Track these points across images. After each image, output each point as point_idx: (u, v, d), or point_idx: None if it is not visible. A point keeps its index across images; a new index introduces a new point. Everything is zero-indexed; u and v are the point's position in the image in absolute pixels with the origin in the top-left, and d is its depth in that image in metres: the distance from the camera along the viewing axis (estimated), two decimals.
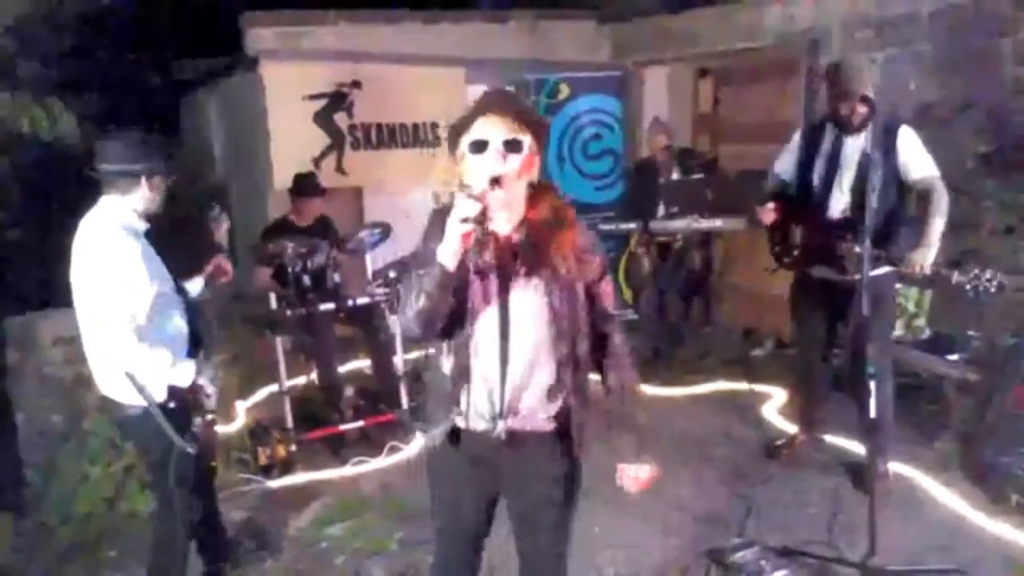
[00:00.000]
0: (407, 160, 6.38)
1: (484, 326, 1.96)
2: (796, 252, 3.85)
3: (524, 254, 1.95)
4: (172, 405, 2.67)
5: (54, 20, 6.40)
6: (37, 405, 3.81)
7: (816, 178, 3.74)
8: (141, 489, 3.73)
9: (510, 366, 1.97)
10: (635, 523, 3.59)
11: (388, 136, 6.30)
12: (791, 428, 4.38)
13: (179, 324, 2.78)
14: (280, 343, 4.42)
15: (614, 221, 6.13)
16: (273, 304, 4.46)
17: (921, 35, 4.75)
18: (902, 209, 3.62)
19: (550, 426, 2.07)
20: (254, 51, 5.87)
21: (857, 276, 3.48)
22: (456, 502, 2.18)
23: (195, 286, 3.06)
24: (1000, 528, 3.39)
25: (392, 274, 4.72)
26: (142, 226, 2.72)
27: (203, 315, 2.95)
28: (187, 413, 2.71)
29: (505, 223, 1.97)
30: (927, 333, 4.53)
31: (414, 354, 5.40)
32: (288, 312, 4.38)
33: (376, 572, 3.29)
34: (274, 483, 4.06)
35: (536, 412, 2.04)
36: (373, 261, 4.90)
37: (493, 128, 1.88)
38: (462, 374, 1.99)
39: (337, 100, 6.04)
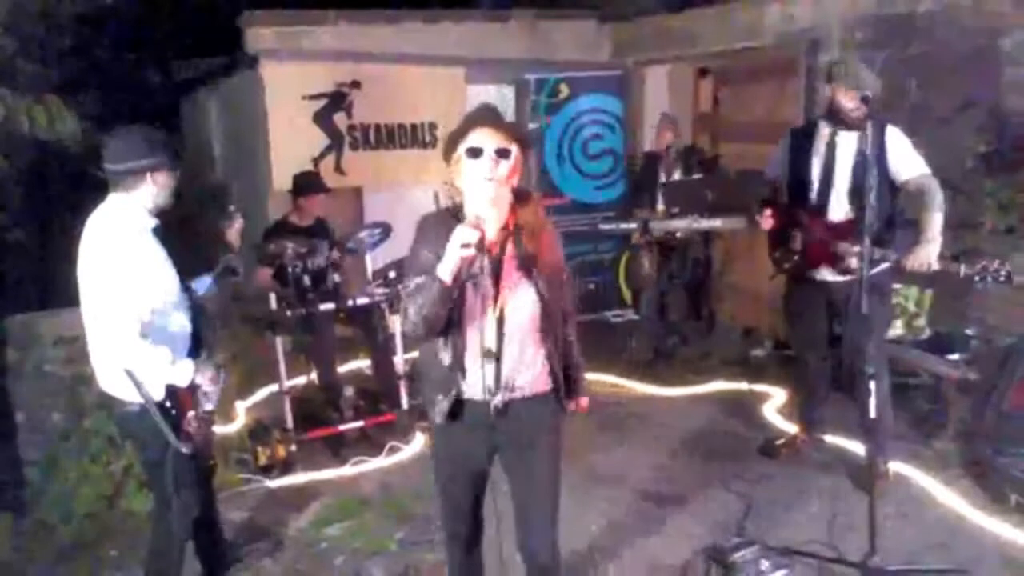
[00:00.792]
0: (406, 160, 6.38)
1: (482, 311, 2.21)
2: (796, 257, 3.84)
3: (515, 248, 2.23)
4: (169, 404, 2.67)
5: (54, 20, 6.40)
6: (37, 404, 3.81)
7: (811, 180, 3.74)
8: (140, 488, 3.73)
9: (505, 348, 2.22)
10: (634, 522, 3.59)
11: (387, 136, 6.30)
12: (791, 428, 4.38)
13: (182, 323, 2.78)
14: (280, 343, 4.42)
15: (614, 221, 6.14)
16: (273, 304, 4.46)
17: (921, 35, 4.75)
18: (895, 210, 3.63)
19: (540, 389, 2.32)
20: (254, 51, 5.88)
21: (852, 276, 3.55)
22: (455, 473, 2.42)
23: (203, 285, 3.06)
24: (1000, 528, 3.39)
25: (392, 274, 4.72)
26: (150, 223, 2.72)
27: (207, 314, 2.95)
28: (184, 412, 2.71)
29: (494, 220, 2.22)
30: (927, 333, 4.54)
31: (414, 354, 5.40)
32: (288, 312, 4.38)
33: (376, 572, 3.29)
34: (274, 483, 4.06)
35: (527, 384, 2.29)
36: (373, 261, 4.90)
37: (487, 138, 2.15)
38: (460, 361, 2.23)
39: (336, 100, 6.04)
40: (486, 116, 2.20)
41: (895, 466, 3.92)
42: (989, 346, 4.23)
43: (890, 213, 3.58)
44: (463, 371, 2.24)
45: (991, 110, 4.44)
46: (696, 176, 5.75)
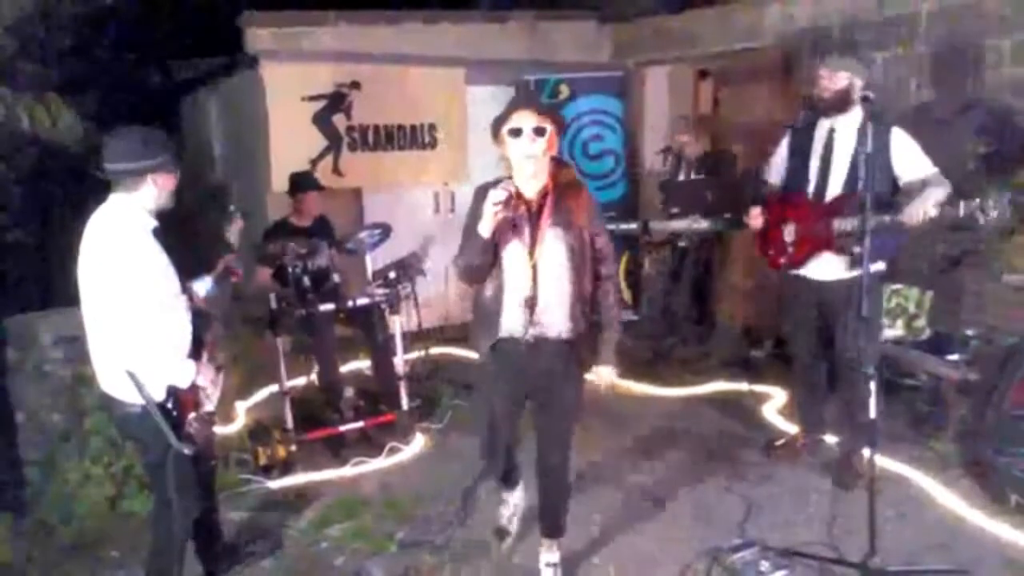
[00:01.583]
0: (405, 161, 6.38)
1: (519, 262, 2.69)
2: (791, 249, 3.81)
3: (551, 208, 2.68)
4: (170, 405, 2.67)
5: (54, 20, 6.40)
6: (37, 404, 3.80)
7: (810, 174, 3.72)
8: (141, 489, 3.73)
9: (539, 290, 2.69)
10: (635, 523, 3.59)
11: (386, 137, 6.31)
12: (791, 428, 4.39)
13: (183, 324, 2.78)
14: (280, 343, 4.42)
15: (615, 221, 6.13)
16: (273, 304, 4.46)
17: (921, 35, 4.75)
18: (891, 207, 3.55)
19: (565, 336, 2.75)
20: (254, 51, 5.88)
21: (841, 276, 3.60)
22: (496, 396, 2.89)
23: (203, 286, 3.06)
24: (1000, 528, 3.39)
25: (392, 274, 4.73)
26: (150, 223, 2.72)
27: (207, 315, 2.95)
28: (185, 413, 2.71)
29: (535, 187, 2.70)
30: (927, 333, 4.53)
31: (413, 354, 5.41)
32: (288, 313, 4.37)
33: (376, 572, 3.29)
34: (274, 483, 4.06)
35: (555, 324, 2.73)
36: (373, 261, 4.90)
37: (525, 119, 2.60)
38: (500, 298, 2.72)
39: (336, 101, 6.04)
40: (524, 100, 2.77)
41: (894, 467, 3.92)
42: (989, 347, 4.22)
43: (888, 203, 3.52)
44: (503, 313, 2.71)
45: (991, 111, 4.44)
46: (696, 177, 5.74)
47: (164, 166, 2.73)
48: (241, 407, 4.95)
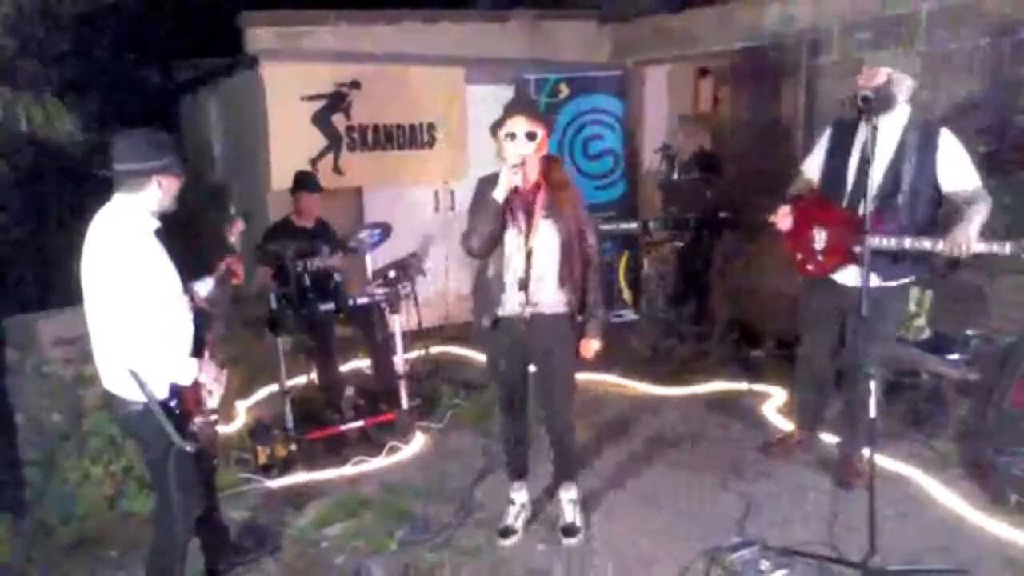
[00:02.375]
0: (405, 161, 6.38)
1: (517, 246, 3.05)
2: (820, 258, 3.67)
3: (543, 200, 3.05)
4: (173, 403, 2.67)
5: (54, 20, 6.40)
6: (37, 405, 3.80)
7: (843, 175, 3.56)
8: (141, 488, 3.73)
9: (533, 271, 3.04)
10: (634, 522, 3.60)
11: (385, 137, 6.31)
12: (790, 427, 4.38)
13: (184, 323, 2.79)
14: (280, 343, 4.42)
15: (614, 221, 6.14)
16: (274, 304, 4.46)
17: (921, 36, 4.75)
18: (932, 216, 3.44)
19: (558, 309, 3.15)
20: (254, 51, 5.88)
21: (881, 282, 3.40)
22: (503, 363, 3.23)
23: (205, 287, 3.07)
24: (1000, 528, 3.39)
25: (392, 274, 4.73)
26: (153, 224, 2.73)
27: (208, 315, 2.96)
28: (188, 411, 2.72)
29: (528, 181, 3.06)
30: (927, 333, 4.53)
31: (413, 354, 5.41)
32: (289, 312, 4.37)
33: (376, 571, 3.29)
34: (274, 483, 4.06)
35: (549, 301, 3.12)
36: (373, 261, 4.90)
37: (519, 125, 2.98)
38: (500, 277, 3.09)
39: (336, 101, 6.04)
40: (518, 107, 3.06)
41: (895, 466, 3.92)
42: (989, 346, 4.22)
43: (926, 219, 3.42)
44: (503, 292, 3.08)
45: (992, 111, 4.44)
46: (694, 176, 5.75)
47: (169, 168, 2.74)
48: (241, 406, 4.95)
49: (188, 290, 2.88)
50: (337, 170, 6.10)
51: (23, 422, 3.83)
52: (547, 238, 3.06)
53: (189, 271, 2.92)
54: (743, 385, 5.17)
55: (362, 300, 4.58)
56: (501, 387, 3.35)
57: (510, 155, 2.96)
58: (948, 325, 4.50)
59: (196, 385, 2.76)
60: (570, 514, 3.47)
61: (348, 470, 4.20)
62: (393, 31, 6.29)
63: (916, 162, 3.34)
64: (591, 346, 3.26)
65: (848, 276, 3.61)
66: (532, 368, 3.33)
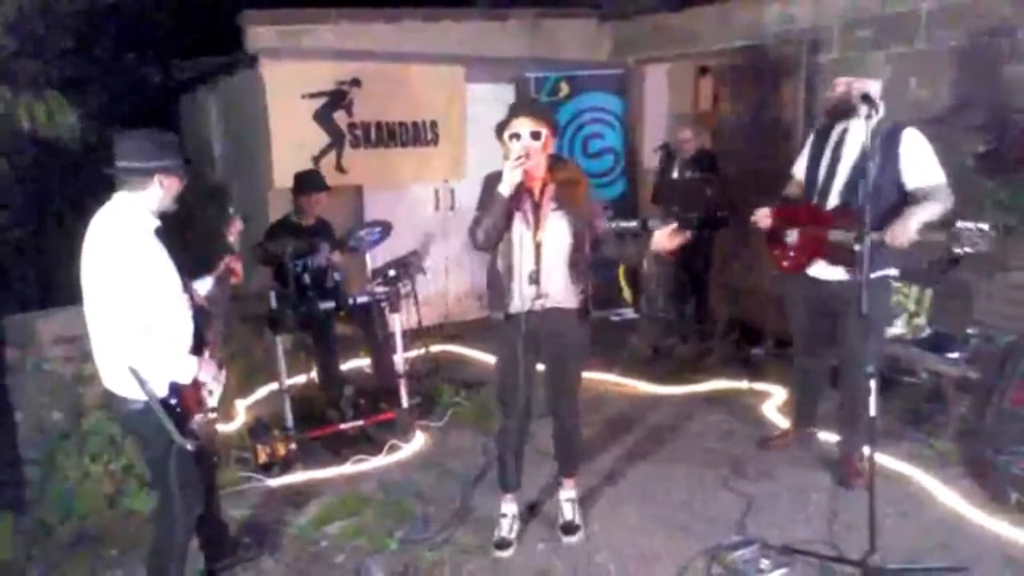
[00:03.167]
0: (407, 158, 6.38)
1: (526, 240, 3.06)
2: (792, 253, 3.84)
3: (550, 195, 3.08)
4: (173, 401, 2.67)
5: (54, 18, 6.40)
6: (37, 403, 3.81)
7: (816, 176, 3.75)
8: (141, 487, 3.74)
9: (543, 265, 3.07)
10: (635, 521, 3.60)
11: (388, 134, 6.30)
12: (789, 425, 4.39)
13: (184, 321, 2.79)
14: (280, 342, 4.42)
15: (614, 219, 6.12)
16: (273, 303, 4.46)
17: (920, 34, 4.75)
18: (897, 213, 3.51)
19: (569, 304, 3.16)
20: (254, 50, 5.87)
21: (841, 278, 3.60)
22: (512, 357, 3.15)
23: (204, 285, 3.07)
24: (999, 526, 3.40)
25: (392, 273, 4.72)
26: (153, 223, 2.73)
27: (208, 313, 2.96)
28: (188, 410, 2.72)
29: (535, 178, 3.08)
30: (927, 331, 4.53)
31: (413, 352, 5.41)
32: (288, 311, 4.38)
33: (376, 570, 3.29)
34: (274, 482, 4.06)
35: (560, 294, 3.13)
36: (373, 260, 4.90)
37: (523, 125, 3.02)
38: (511, 271, 3.09)
39: (337, 98, 6.04)
40: (523, 108, 3.16)
41: (895, 464, 3.93)
42: (989, 345, 4.22)
43: (894, 210, 3.49)
44: (513, 286, 3.09)
45: (991, 110, 4.43)
46: (694, 175, 5.74)
47: (171, 168, 2.75)
48: (241, 405, 4.95)
49: (188, 289, 2.88)
50: (340, 168, 6.09)
51: (23, 420, 3.84)
52: (557, 231, 3.07)
53: (189, 270, 2.92)
54: (743, 384, 5.17)
55: (362, 299, 4.58)
56: (506, 382, 3.25)
57: (515, 152, 2.98)
58: (948, 324, 4.50)
59: (196, 383, 2.76)
60: (569, 512, 3.49)
61: (348, 469, 4.20)
62: (393, 29, 6.29)
63: (880, 160, 3.47)
64: (658, 236, 3.20)
65: (821, 271, 3.73)
66: (539, 366, 3.32)
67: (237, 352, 4.83)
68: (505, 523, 3.44)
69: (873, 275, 3.51)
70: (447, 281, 6.57)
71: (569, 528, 3.45)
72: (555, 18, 6.97)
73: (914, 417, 4.40)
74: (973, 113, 4.49)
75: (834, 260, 3.63)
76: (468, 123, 6.53)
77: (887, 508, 3.47)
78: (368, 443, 4.45)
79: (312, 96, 5.95)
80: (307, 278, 4.48)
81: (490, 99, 6.27)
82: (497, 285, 3.17)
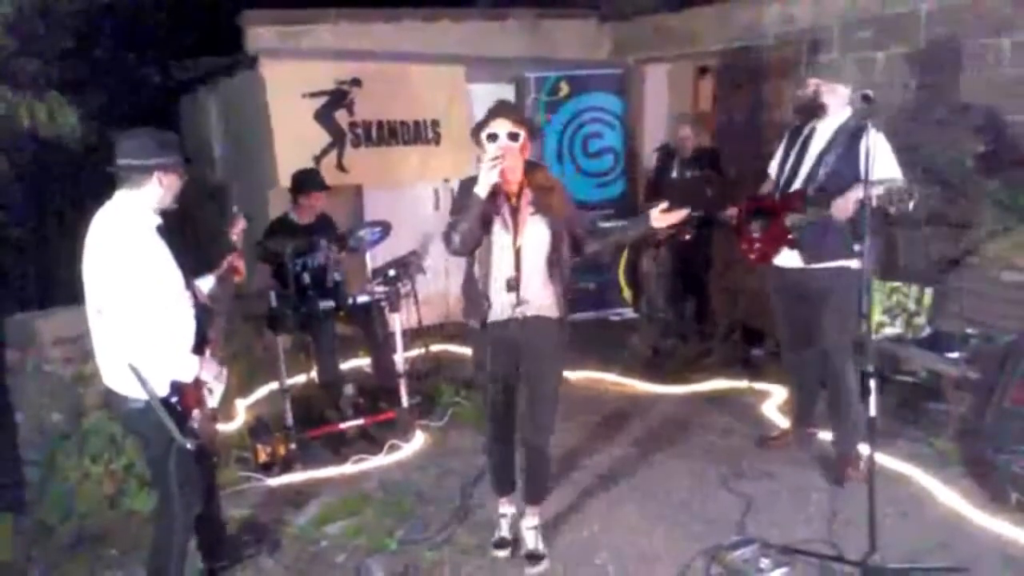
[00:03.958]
0: (408, 157, 6.38)
1: (504, 247, 2.96)
2: (758, 244, 3.94)
3: (528, 199, 2.99)
4: (174, 400, 2.67)
5: (53, 17, 6.40)
6: (37, 404, 3.81)
7: (784, 170, 3.88)
8: (141, 487, 3.74)
9: (523, 270, 2.98)
10: (635, 520, 3.60)
11: (389, 133, 6.30)
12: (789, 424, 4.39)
13: (186, 320, 2.79)
14: (281, 341, 4.42)
15: (614, 219, 6.12)
16: (273, 302, 4.46)
17: (920, 35, 4.75)
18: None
19: (548, 313, 3.06)
20: (254, 50, 5.87)
21: (803, 266, 3.74)
22: (491, 367, 3.06)
23: (207, 284, 3.07)
24: (1000, 526, 3.39)
25: (392, 272, 4.72)
26: (154, 221, 2.73)
27: (210, 311, 2.96)
28: (188, 409, 2.72)
29: (512, 182, 3.00)
30: (927, 331, 4.53)
31: (413, 352, 5.41)
32: (289, 310, 4.37)
33: (376, 570, 3.29)
34: (274, 481, 4.06)
35: (539, 301, 3.03)
36: (373, 259, 4.90)
37: (501, 126, 2.92)
38: (488, 277, 2.99)
39: (337, 98, 6.03)
40: (500, 109, 2.99)
41: (894, 464, 3.93)
42: (989, 344, 4.22)
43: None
44: (491, 294, 2.99)
45: (990, 110, 4.43)
46: (694, 174, 5.73)
47: (171, 166, 2.76)
48: (241, 405, 4.95)
49: (190, 287, 2.88)
50: (341, 167, 6.09)
51: (23, 421, 3.84)
52: (536, 236, 2.98)
53: (191, 268, 2.93)
54: (743, 383, 5.17)
55: (362, 298, 4.58)
56: (490, 392, 3.14)
57: (491, 153, 2.88)
58: (948, 323, 4.50)
59: (197, 382, 2.76)
60: (532, 541, 3.31)
61: (348, 468, 4.20)
62: (393, 29, 6.29)
63: (840, 154, 3.62)
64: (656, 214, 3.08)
65: (785, 259, 3.83)
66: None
67: (238, 351, 4.83)
68: (504, 523, 3.42)
69: (834, 263, 3.66)
70: (447, 281, 6.56)
71: (534, 557, 3.27)
72: (555, 18, 6.97)
73: (914, 417, 4.40)
74: (973, 113, 4.49)
75: (792, 245, 3.74)
76: (470, 123, 6.52)
77: (887, 508, 3.47)
78: (368, 443, 4.45)
79: (313, 96, 5.94)
80: (307, 277, 4.48)
81: (490, 99, 6.21)
82: (474, 293, 3.06)
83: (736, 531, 3.45)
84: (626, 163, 7.08)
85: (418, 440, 4.51)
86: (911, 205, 3.16)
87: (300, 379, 4.91)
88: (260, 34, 5.87)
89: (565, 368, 3.27)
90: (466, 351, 5.89)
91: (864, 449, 3.61)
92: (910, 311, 4.58)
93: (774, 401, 4.89)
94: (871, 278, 3.85)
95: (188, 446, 2.70)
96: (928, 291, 4.53)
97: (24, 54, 5.89)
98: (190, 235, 4.25)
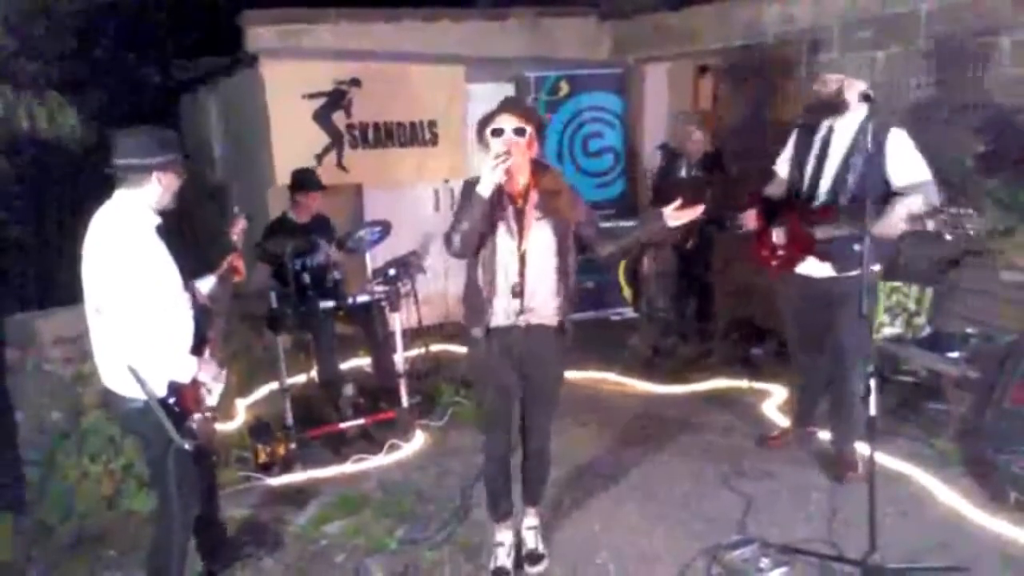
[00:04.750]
0: (406, 158, 6.38)
1: (508, 251, 2.84)
2: (781, 252, 3.83)
3: (534, 201, 2.85)
4: (172, 400, 2.67)
5: (53, 18, 6.40)
6: (37, 403, 3.81)
7: (802, 174, 3.76)
8: (140, 487, 3.73)
9: (527, 277, 2.85)
10: (635, 520, 3.60)
11: (386, 134, 6.30)
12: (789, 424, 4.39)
13: (184, 320, 2.79)
14: (280, 341, 4.42)
15: (614, 219, 6.13)
16: (274, 302, 4.46)
17: (920, 34, 4.75)
18: (881, 210, 3.50)
19: (552, 320, 2.94)
20: (254, 49, 5.87)
21: (837, 271, 3.61)
22: (494, 378, 2.99)
23: (207, 284, 3.07)
24: (1000, 526, 3.39)
25: (392, 272, 4.72)
26: (154, 221, 2.73)
27: (210, 312, 2.96)
28: (187, 409, 2.72)
29: (518, 183, 2.85)
30: (927, 331, 4.53)
31: (413, 352, 5.41)
32: (288, 310, 4.38)
33: (376, 570, 3.29)
34: (274, 481, 4.06)
35: (544, 309, 2.91)
36: (373, 259, 4.90)
37: (507, 121, 2.78)
38: (493, 283, 2.86)
39: (336, 99, 6.04)
40: (507, 104, 2.86)
41: (894, 464, 3.93)
42: (989, 344, 4.22)
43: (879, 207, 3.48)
44: (494, 300, 2.87)
45: (990, 110, 4.43)
46: (695, 175, 5.73)
47: (170, 165, 2.75)
48: (241, 404, 4.95)
49: (189, 287, 2.88)
50: (341, 167, 6.10)
51: (23, 421, 3.84)
52: (542, 240, 2.85)
53: (191, 269, 2.92)
54: (744, 383, 5.17)
55: (362, 298, 4.58)
56: (491, 406, 3.07)
57: (496, 150, 2.72)
58: (948, 323, 4.49)
59: (195, 383, 2.76)
60: (532, 541, 3.30)
61: (348, 468, 4.20)
62: (393, 29, 6.29)
63: (866, 158, 3.49)
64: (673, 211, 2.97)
65: (811, 268, 3.73)
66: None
67: (238, 351, 4.83)
68: (502, 552, 3.24)
69: (858, 272, 3.56)
70: (447, 280, 6.56)
71: (533, 558, 3.25)
72: (555, 17, 6.97)
73: (914, 416, 4.40)
74: (973, 113, 4.49)
75: (823, 257, 3.64)
76: (468, 123, 6.52)
77: (887, 507, 3.47)
78: (368, 442, 4.45)
79: (311, 96, 5.95)
80: (307, 277, 4.48)
81: (490, 99, 6.22)
82: (476, 299, 2.92)
83: (736, 530, 3.45)
84: (626, 163, 7.08)
85: (418, 440, 4.51)
86: (971, 230, 3.05)
87: (300, 379, 4.91)
88: (260, 34, 5.87)
89: (566, 369, 3.22)
90: (466, 351, 5.92)
91: (864, 449, 3.63)
92: (910, 311, 4.58)
93: (774, 400, 4.88)
94: (876, 280, 3.88)
95: (186, 446, 2.70)
96: (928, 291, 4.53)
97: (24, 54, 5.89)
98: (189, 235, 4.25)
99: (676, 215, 2.97)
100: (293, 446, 4.23)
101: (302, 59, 5.94)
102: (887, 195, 3.51)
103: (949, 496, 3.65)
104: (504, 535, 3.26)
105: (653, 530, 3.51)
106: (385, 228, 4.80)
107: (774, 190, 3.99)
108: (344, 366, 5.15)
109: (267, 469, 4.11)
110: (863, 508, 3.02)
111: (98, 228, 2.67)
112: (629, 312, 6.84)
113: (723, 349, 5.79)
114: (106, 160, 2.72)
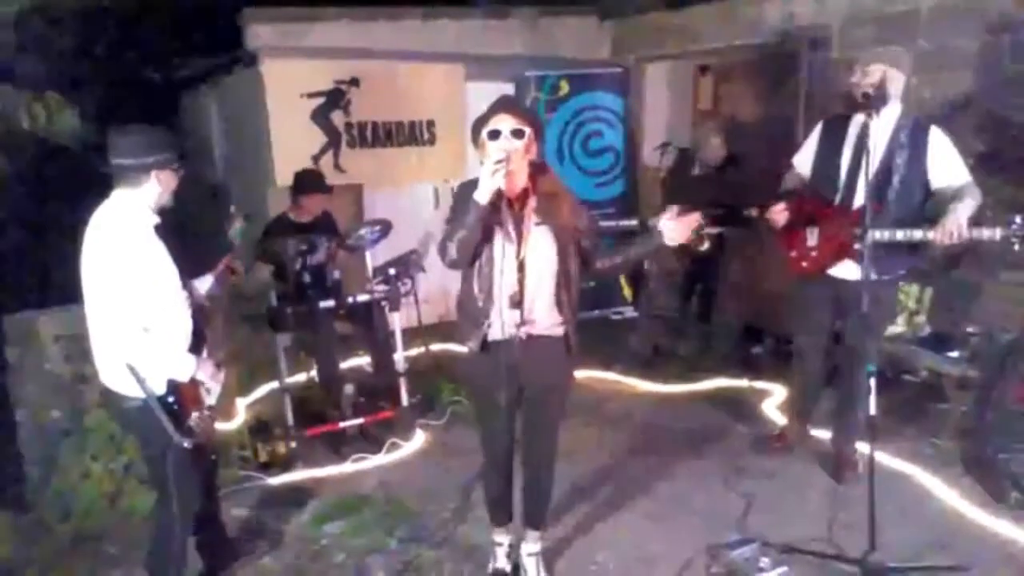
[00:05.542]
0: (404, 158, 6.38)
1: (506, 258, 2.65)
2: (814, 253, 3.71)
3: (534, 207, 2.68)
4: (171, 399, 2.67)
5: (53, 16, 6.40)
6: (37, 402, 3.80)
7: (840, 170, 3.59)
8: (141, 486, 3.73)
9: (527, 286, 2.68)
10: (635, 520, 3.60)
11: (384, 134, 6.30)
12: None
13: (183, 319, 2.78)
14: (280, 340, 4.42)
15: (614, 218, 6.13)
16: (273, 301, 4.46)
17: (921, 33, 4.75)
18: (921, 210, 3.46)
19: (554, 332, 2.77)
20: (254, 48, 5.87)
21: (875, 276, 3.34)
22: (491, 395, 2.79)
23: (205, 284, 3.07)
24: (999, 526, 3.40)
25: (392, 271, 4.72)
26: (152, 220, 2.73)
27: (208, 311, 2.96)
28: (186, 408, 2.72)
29: (516, 187, 2.68)
30: (927, 330, 4.53)
31: (413, 351, 5.41)
32: (288, 309, 4.37)
33: (375, 569, 3.29)
34: (274, 480, 4.06)
35: (544, 319, 2.74)
36: (373, 258, 4.89)
37: (504, 122, 2.61)
38: (490, 293, 2.68)
39: (334, 98, 6.04)
40: (503, 104, 2.71)
41: (895, 463, 3.93)
42: (989, 344, 4.22)
43: (919, 208, 3.45)
44: (491, 310, 2.69)
45: (990, 108, 4.43)
46: (698, 174, 5.72)
47: (168, 164, 2.75)
48: (241, 404, 4.95)
49: (188, 286, 2.88)
50: (339, 167, 6.10)
51: (23, 419, 3.83)
52: (542, 246, 2.67)
53: (189, 268, 2.92)
54: (743, 382, 5.17)
55: (362, 297, 4.58)
56: (488, 425, 2.95)
57: (493, 154, 2.56)
58: (948, 322, 4.49)
59: (194, 381, 2.76)
60: (534, 569, 3.16)
61: (348, 467, 4.20)
62: (393, 28, 6.28)
63: (907, 158, 3.39)
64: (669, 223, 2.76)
65: (845, 270, 3.63)
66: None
67: (237, 351, 4.82)
68: (500, 552, 3.22)
69: (889, 276, 3.53)
70: (447, 280, 6.56)
71: None
72: (555, 16, 6.96)
73: (914, 416, 4.40)
74: (974, 111, 4.49)
75: (861, 259, 3.36)
76: (467, 122, 6.52)
77: (887, 506, 3.46)
78: (368, 441, 4.45)
79: (310, 96, 5.95)
80: (307, 276, 4.48)
81: (490, 98, 6.22)
82: (472, 310, 2.74)
83: (736, 529, 3.45)
84: (626, 162, 7.08)
85: (418, 439, 4.51)
86: None
87: (300, 378, 4.91)
88: (260, 32, 5.86)
89: (570, 385, 3.04)
90: (465, 350, 5.91)
91: (864, 448, 3.63)
92: (911, 310, 4.58)
93: (774, 400, 4.89)
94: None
95: (185, 445, 2.70)
96: (928, 290, 4.53)
97: (24, 53, 5.89)
98: (188, 235, 4.23)
99: (673, 233, 2.73)
100: (293, 445, 4.23)
101: (302, 58, 5.94)
102: (925, 197, 3.45)
103: (949, 495, 3.65)
104: (502, 537, 3.22)
105: (653, 529, 3.51)
106: (385, 227, 4.79)
107: (791, 184, 3.87)
108: (344, 365, 5.15)
109: (267, 468, 4.11)
110: (863, 507, 3.03)
111: (97, 227, 2.67)
112: (629, 311, 6.84)
113: (723, 348, 5.79)
114: (105, 160, 2.72)
